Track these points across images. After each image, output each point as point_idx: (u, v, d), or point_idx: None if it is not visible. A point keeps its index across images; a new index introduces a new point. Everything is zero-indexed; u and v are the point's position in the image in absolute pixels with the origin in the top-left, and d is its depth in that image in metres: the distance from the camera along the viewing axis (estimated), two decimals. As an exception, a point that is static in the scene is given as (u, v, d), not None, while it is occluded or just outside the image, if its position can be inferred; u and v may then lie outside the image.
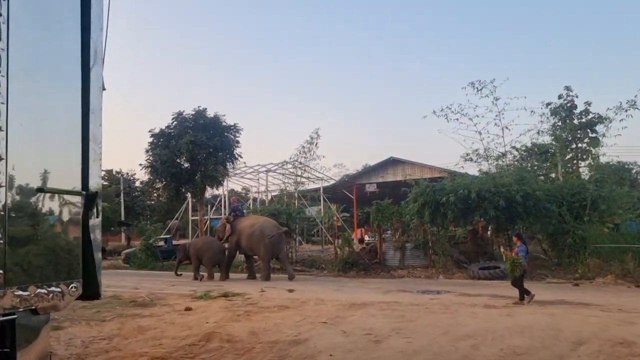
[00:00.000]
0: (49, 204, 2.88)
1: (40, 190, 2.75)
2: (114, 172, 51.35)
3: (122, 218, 39.45)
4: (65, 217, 3.01)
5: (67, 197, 2.99)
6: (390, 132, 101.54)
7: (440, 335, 6.69)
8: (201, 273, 16.40)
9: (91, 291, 3.14)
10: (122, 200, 42.05)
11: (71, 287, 2.96)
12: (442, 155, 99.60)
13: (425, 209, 16.12)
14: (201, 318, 8.56)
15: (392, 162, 30.38)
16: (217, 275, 16.54)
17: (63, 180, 2.97)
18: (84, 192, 3.09)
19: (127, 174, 47.12)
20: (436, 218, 16.36)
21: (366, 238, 30.11)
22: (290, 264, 17.05)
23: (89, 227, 3.12)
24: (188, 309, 9.60)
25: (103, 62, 3.41)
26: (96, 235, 3.21)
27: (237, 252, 16.79)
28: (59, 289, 2.86)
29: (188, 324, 7.95)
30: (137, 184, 45.69)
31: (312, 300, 10.56)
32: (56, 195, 2.92)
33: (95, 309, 9.99)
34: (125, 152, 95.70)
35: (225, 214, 31.08)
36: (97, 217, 3.22)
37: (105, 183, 50.64)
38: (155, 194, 39.74)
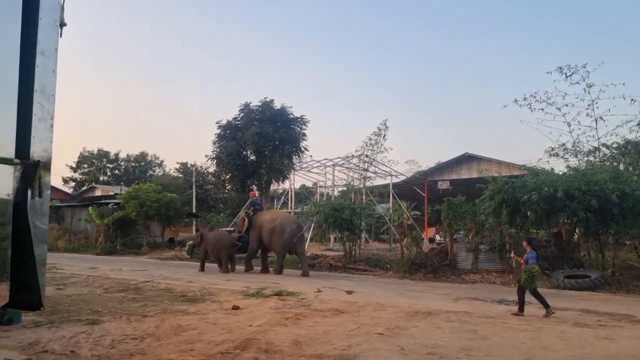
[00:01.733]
0: None
1: None
2: (188, 165, 52.74)
3: (194, 210, 40.27)
4: None
5: None
6: (466, 127, 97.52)
7: (521, 361, 5.45)
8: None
9: (26, 297, 2.23)
10: (194, 192, 42.91)
11: None
12: (523, 152, 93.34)
13: (502, 207, 14.54)
14: (246, 319, 7.84)
15: (467, 159, 28.78)
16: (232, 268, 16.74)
17: None
18: (17, 160, 2.17)
19: (201, 166, 47.97)
20: (515, 218, 14.74)
21: (437, 238, 28.51)
22: (307, 261, 17.14)
23: (26, 210, 2.18)
24: (236, 307, 8.96)
25: None
26: (38, 222, 2.23)
27: (259, 246, 17.11)
28: None
29: (230, 326, 7.24)
30: (210, 177, 46.41)
31: (371, 304, 9.54)
32: None
33: (142, 302, 9.61)
34: (200, 145, 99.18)
35: (291, 208, 30.79)
36: (40, 195, 2.24)
37: (179, 176, 52.17)
38: (227, 187, 40.20)
